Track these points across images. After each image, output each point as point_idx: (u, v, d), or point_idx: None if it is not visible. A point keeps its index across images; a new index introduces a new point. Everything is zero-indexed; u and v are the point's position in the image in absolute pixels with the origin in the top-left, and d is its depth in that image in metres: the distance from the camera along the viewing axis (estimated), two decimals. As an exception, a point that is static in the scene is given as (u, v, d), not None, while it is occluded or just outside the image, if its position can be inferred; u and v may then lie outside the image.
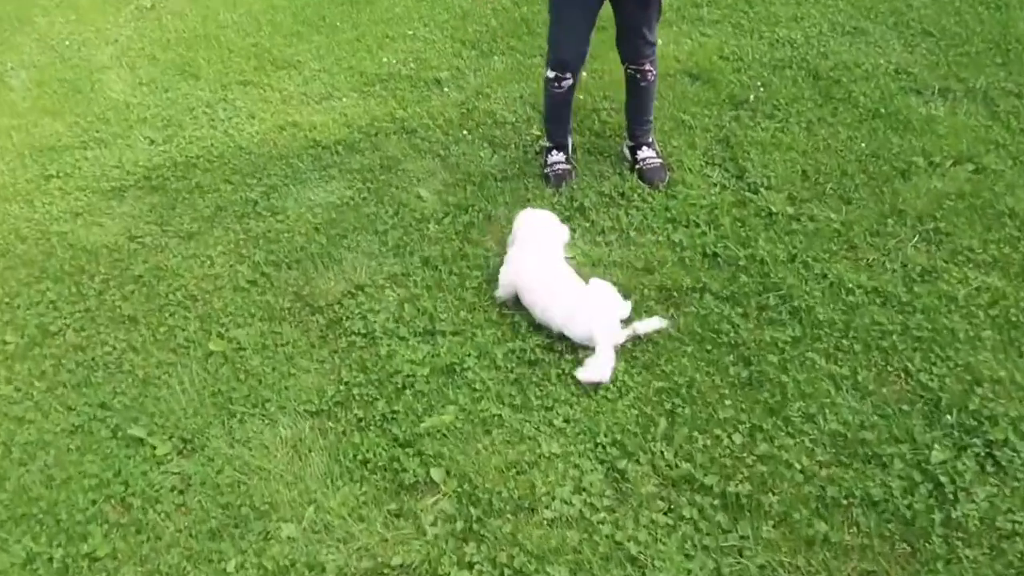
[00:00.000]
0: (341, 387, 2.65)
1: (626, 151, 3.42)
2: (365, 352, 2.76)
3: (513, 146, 3.61)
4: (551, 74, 3.20)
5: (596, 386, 2.53)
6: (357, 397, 2.61)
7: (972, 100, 3.58)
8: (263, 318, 2.94)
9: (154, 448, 2.52)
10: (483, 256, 3.06)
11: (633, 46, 3.15)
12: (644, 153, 3.34)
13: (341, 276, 3.08)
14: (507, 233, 3.14)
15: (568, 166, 3.39)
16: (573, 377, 2.57)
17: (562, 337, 2.69)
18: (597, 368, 2.54)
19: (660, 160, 3.34)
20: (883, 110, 3.55)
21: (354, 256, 3.16)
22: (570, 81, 3.20)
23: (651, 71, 3.21)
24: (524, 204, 3.27)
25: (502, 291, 2.85)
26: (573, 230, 3.08)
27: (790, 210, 3.07)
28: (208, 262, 3.19)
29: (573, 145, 3.49)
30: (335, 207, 3.41)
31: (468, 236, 3.17)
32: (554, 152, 3.42)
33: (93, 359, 2.83)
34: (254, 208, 3.45)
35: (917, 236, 2.93)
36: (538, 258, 2.80)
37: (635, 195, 3.23)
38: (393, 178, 3.53)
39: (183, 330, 2.91)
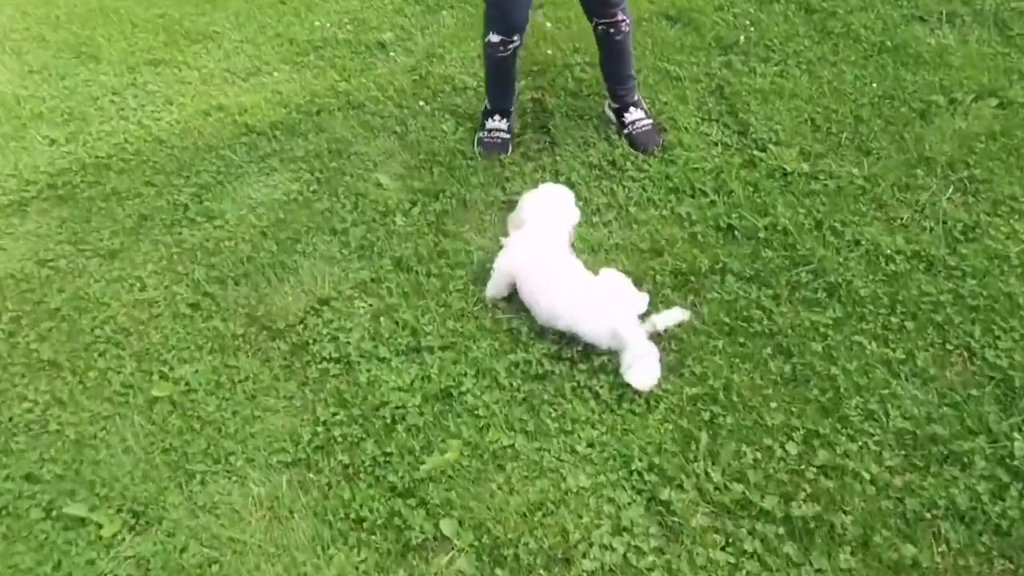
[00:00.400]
0: (318, 428, 2.25)
1: (610, 113, 3.04)
2: (341, 381, 2.37)
3: (480, 116, 3.18)
4: (495, 38, 2.78)
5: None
6: (339, 439, 2.22)
7: (982, 25, 3.28)
8: (213, 350, 2.50)
9: (99, 527, 2.09)
10: (464, 251, 2.67)
11: None
12: (632, 115, 2.96)
13: (300, 289, 2.65)
14: (488, 221, 2.76)
15: (507, 136, 3.00)
16: (591, 390, 2.24)
17: (571, 341, 2.34)
18: (648, 368, 2.22)
19: (651, 121, 2.97)
20: (888, 43, 3.23)
21: (312, 263, 2.73)
22: (517, 43, 2.79)
23: (624, 21, 2.81)
24: (502, 184, 2.88)
25: (493, 288, 2.48)
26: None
27: (805, 167, 2.75)
28: (138, 285, 2.72)
29: (547, 110, 3.09)
30: (281, 205, 2.95)
31: (443, 228, 2.77)
32: (495, 118, 3.02)
33: (11, 420, 2.36)
34: (185, 214, 2.97)
35: (951, 187, 2.64)
36: (541, 245, 2.43)
37: (628, 163, 2.87)
38: (345, 164, 3.08)
39: (117, 373, 2.45)
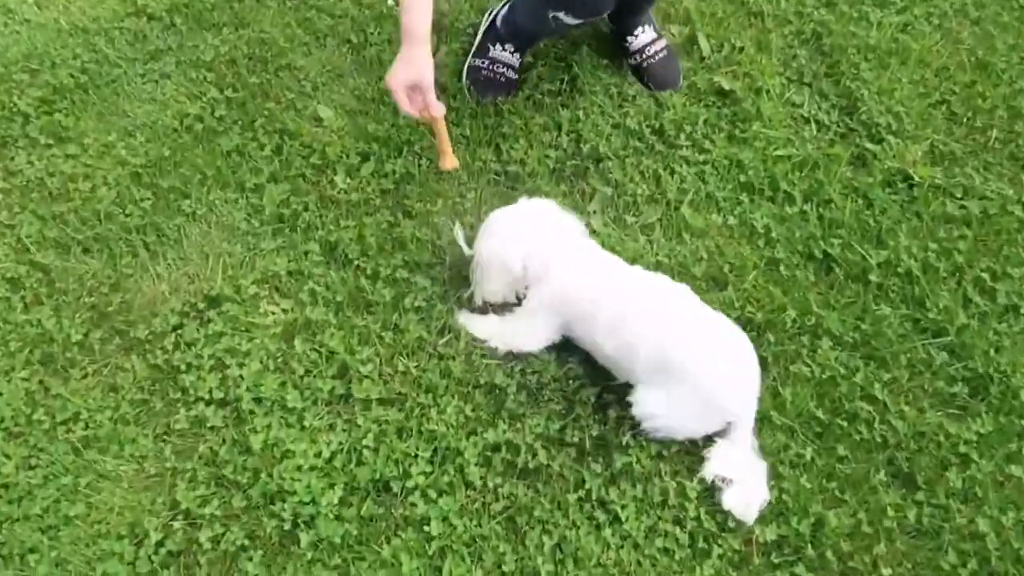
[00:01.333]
0: (175, 524, 1.46)
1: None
2: (222, 442, 1.56)
3: (470, 30, 2.25)
4: None
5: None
6: (207, 548, 1.44)
7: None
8: (29, 362, 1.66)
9: None
10: (432, 244, 1.83)
11: None
12: (643, 36, 2.10)
13: (180, 273, 1.80)
14: (470, 199, 1.91)
15: (515, 75, 2.11)
16: (607, 508, 1.48)
17: (601, 408, 1.57)
18: (758, 487, 1.50)
19: (666, 44, 2.12)
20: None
21: (203, 233, 1.86)
22: None
23: None
24: (496, 142, 2.00)
25: (494, 285, 1.67)
26: (583, 210, 1.88)
27: (939, 176, 1.94)
28: (-67, 237, 1.83)
29: (570, 37, 2.19)
30: (169, 134, 2.04)
31: (404, 202, 1.91)
32: (504, 45, 2.09)
33: None
34: (23, 129, 2.04)
35: None
36: (598, 254, 1.67)
37: (682, 136, 2.01)
38: (271, 82, 2.15)
39: None
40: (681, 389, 1.47)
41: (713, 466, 1.49)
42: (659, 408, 1.49)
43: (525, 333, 1.65)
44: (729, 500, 1.47)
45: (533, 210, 1.67)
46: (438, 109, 1.71)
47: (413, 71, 1.68)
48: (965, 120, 2.06)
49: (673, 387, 1.47)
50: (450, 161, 1.76)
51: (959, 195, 1.91)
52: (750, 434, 1.53)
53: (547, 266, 1.61)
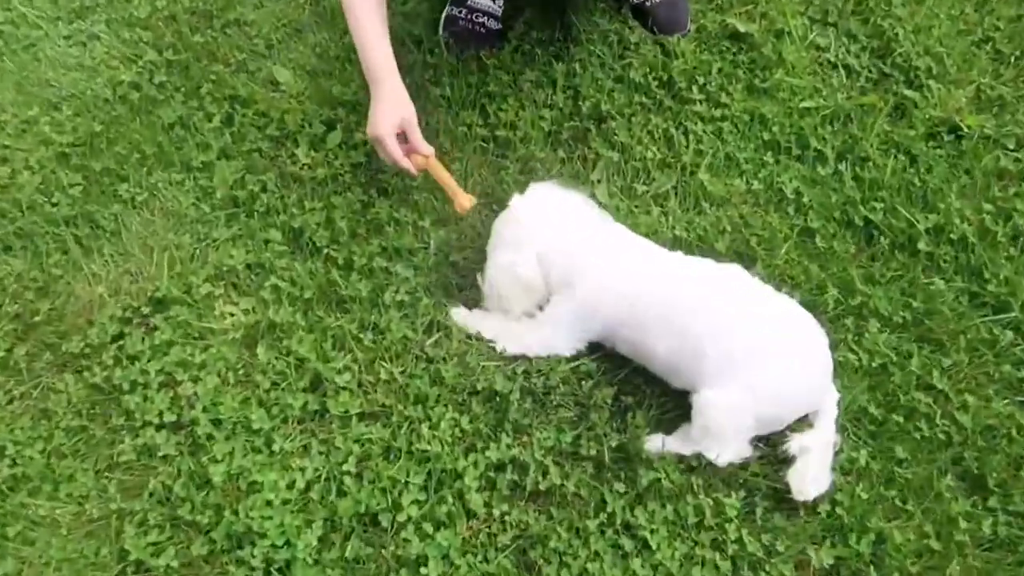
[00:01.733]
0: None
1: None
2: (175, 474, 1.33)
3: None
4: None
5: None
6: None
7: None
8: (-57, 387, 1.41)
9: None
10: (414, 224, 1.58)
11: None
12: None
13: (119, 271, 1.55)
14: (456, 170, 1.65)
15: (498, 25, 1.85)
16: (634, 534, 1.27)
17: (617, 412, 1.36)
18: (824, 464, 1.32)
19: None
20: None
21: (144, 221, 1.61)
22: None
23: None
24: (481, 103, 1.75)
25: (514, 289, 1.43)
26: (585, 180, 1.64)
27: (988, 126, 1.71)
28: None
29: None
30: (101, 104, 1.76)
31: (379, 177, 1.65)
32: None
33: None
34: (-72, 106, 1.76)
35: None
36: (632, 241, 1.44)
37: (694, 88, 1.76)
38: (219, 40, 1.87)
39: None
40: (764, 381, 1.27)
41: (796, 441, 1.31)
42: (745, 407, 1.28)
43: (550, 342, 1.42)
44: (792, 474, 1.29)
45: (541, 204, 1.42)
46: (428, 147, 1.49)
47: (400, 109, 1.46)
48: (1012, 60, 1.83)
49: (755, 381, 1.27)
50: (465, 199, 1.50)
51: (1012, 146, 1.69)
52: (833, 420, 1.34)
53: (573, 269, 1.38)
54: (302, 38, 1.88)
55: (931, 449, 1.36)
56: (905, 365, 1.43)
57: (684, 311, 1.32)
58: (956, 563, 1.26)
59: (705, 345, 1.28)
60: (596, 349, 1.44)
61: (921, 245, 1.55)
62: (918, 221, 1.57)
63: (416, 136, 1.48)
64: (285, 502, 1.30)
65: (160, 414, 1.38)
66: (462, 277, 1.54)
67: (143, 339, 1.46)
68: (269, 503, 1.30)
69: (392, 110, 1.45)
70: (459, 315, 1.47)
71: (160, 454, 1.35)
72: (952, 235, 1.56)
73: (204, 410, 1.38)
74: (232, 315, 1.50)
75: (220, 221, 1.61)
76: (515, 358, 1.43)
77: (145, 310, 1.50)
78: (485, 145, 1.71)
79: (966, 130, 1.69)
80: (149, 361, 1.43)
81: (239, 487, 1.32)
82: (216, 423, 1.37)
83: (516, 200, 1.43)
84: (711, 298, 1.33)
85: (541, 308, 1.43)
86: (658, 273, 1.37)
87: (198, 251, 1.58)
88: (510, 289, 1.40)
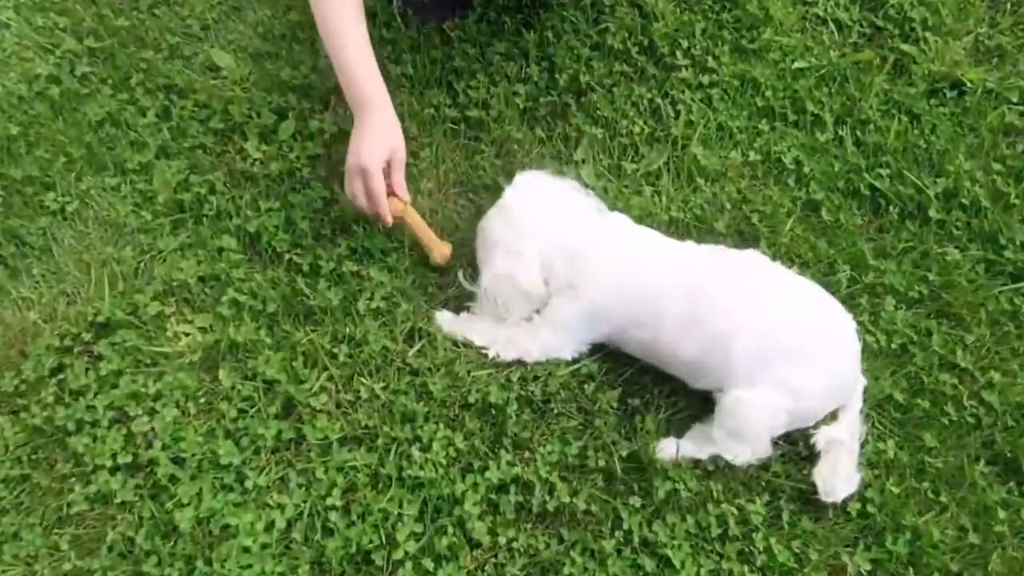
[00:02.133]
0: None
1: None
2: (143, 525, 1.18)
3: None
4: None
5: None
6: None
7: None
8: None
9: None
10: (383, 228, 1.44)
11: None
12: None
13: (53, 292, 1.37)
14: (426, 157, 1.51)
15: None
16: (653, 551, 1.17)
17: (645, 405, 1.24)
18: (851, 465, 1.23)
19: None
20: None
21: (77, 235, 1.43)
22: None
23: None
24: (447, 80, 1.59)
25: (513, 318, 1.31)
26: (568, 160, 1.51)
27: (991, 80, 1.62)
28: None
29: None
30: (16, 106, 1.57)
31: (340, 170, 1.47)
32: None
33: None
34: None
35: None
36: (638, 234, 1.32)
37: (678, 52, 1.63)
38: (147, 23, 1.68)
39: None
40: (800, 377, 1.18)
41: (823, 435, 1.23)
42: (781, 406, 1.18)
43: (551, 346, 1.30)
44: (819, 473, 1.21)
45: (536, 197, 1.29)
46: (407, 193, 1.35)
47: (391, 142, 1.30)
48: (1009, 7, 1.74)
49: (790, 376, 1.17)
50: (444, 247, 1.37)
51: (1016, 100, 1.61)
52: (858, 411, 1.25)
53: (579, 268, 1.26)
54: (241, 16, 1.70)
55: (960, 434, 1.28)
56: (926, 344, 1.34)
57: (708, 308, 1.20)
58: (996, 556, 1.19)
59: (734, 342, 1.18)
60: (597, 349, 1.33)
61: (932, 212, 1.46)
62: (927, 187, 1.48)
63: (401, 176, 1.33)
64: (264, 546, 1.16)
65: (113, 456, 1.23)
66: (442, 275, 1.41)
67: (87, 371, 1.29)
68: (246, 549, 1.16)
69: (383, 141, 1.30)
70: (444, 320, 1.34)
71: (117, 501, 1.20)
72: (963, 200, 1.47)
73: (164, 447, 1.23)
74: (187, 335, 1.35)
75: (165, 229, 1.44)
76: (509, 364, 1.31)
77: (86, 337, 1.33)
78: (455, 127, 1.56)
79: (968, 85, 1.60)
80: (96, 396, 1.27)
81: (211, 533, 1.17)
82: (178, 461, 1.22)
83: (509, 194, 1.29)
84: (735, 291, 1.22)
85: (538, 311, 1.31)
86: (674, 268, 1.26)
87: (142, 265, 1.41)
88: (509, 298, 1.27)
